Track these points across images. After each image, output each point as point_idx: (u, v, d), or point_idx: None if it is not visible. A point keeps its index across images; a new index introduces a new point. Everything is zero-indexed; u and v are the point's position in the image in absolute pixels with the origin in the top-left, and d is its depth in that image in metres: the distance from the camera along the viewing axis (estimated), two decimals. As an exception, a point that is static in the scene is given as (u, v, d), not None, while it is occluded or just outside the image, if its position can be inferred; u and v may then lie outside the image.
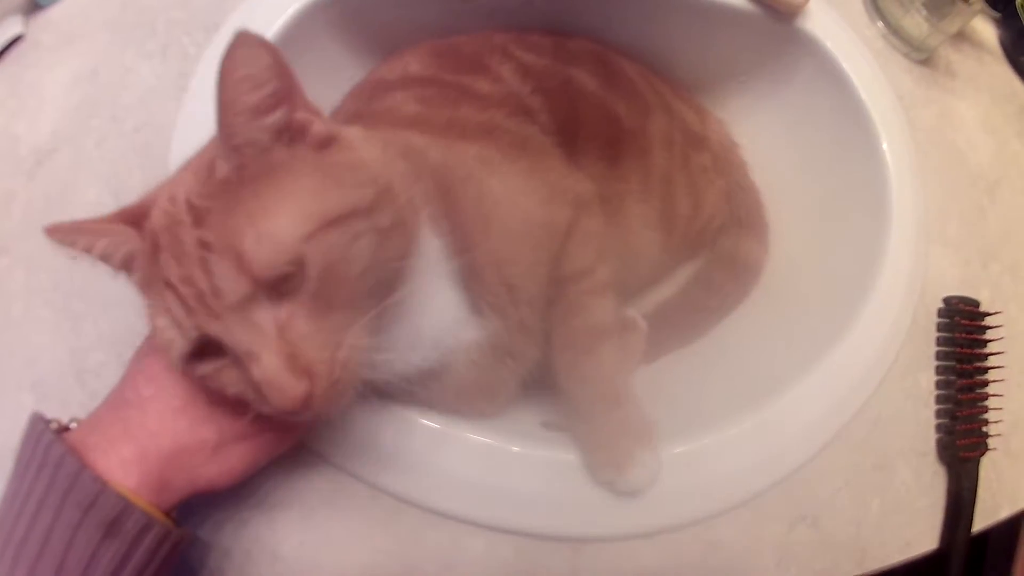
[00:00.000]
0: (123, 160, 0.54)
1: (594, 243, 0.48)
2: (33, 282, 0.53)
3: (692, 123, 0.63)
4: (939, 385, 0.57)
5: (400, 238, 0.35)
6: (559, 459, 0.46)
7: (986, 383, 0.57)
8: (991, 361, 0.57)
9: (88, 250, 0.34)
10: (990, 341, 0.57)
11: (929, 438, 0.56)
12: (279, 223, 0.31)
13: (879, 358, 0.54)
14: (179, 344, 0.32)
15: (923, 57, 0.69)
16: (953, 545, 0.54)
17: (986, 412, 0.56)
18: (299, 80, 0.35)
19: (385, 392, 0.41)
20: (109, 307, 0.51)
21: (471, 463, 0.44)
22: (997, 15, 0.77)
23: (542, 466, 0.46)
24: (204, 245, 0.31)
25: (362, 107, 0.52)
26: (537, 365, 0.49)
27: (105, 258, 0.35)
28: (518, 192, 0.45)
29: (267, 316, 0.31)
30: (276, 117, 0.33)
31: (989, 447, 0.56)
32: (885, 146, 0.58)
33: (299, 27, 0.54)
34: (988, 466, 0.56)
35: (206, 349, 0.33)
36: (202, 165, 0.34)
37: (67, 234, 0.34)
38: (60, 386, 0.50)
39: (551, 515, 0.45)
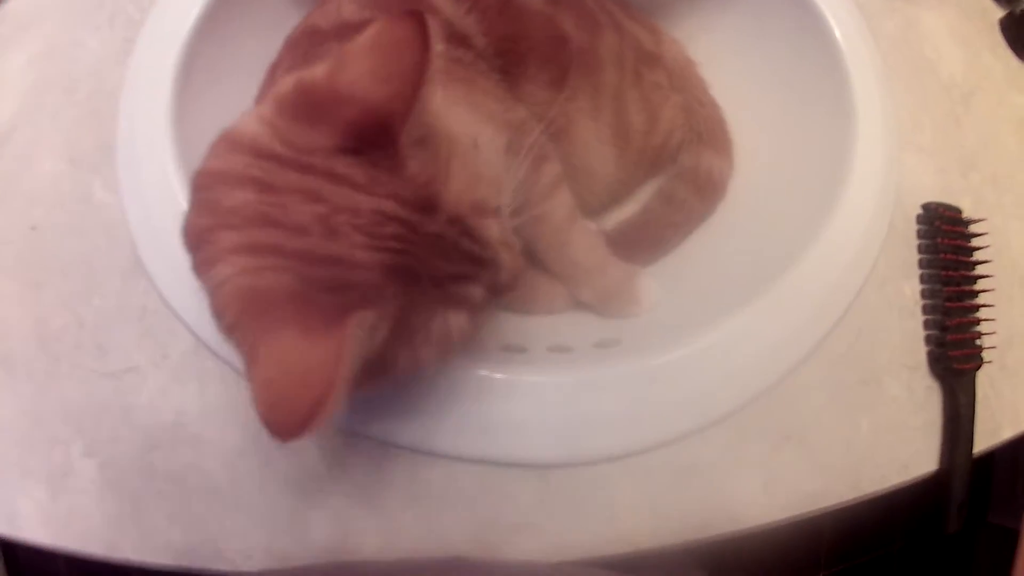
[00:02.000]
0: (76, 128, 0.55)
1: (528, 154, 0.47)
2: None
3: (645, 42, 0.61)
4: (924, 294, 0.56)
5: None
6: (521, 381, 0.45)
7: (975, 293, 0.55)
8: (979, 271, 0.56)
9: None
10: (975, 250, 0.56)
11: (918, 351, 0.54)
12: None
13: (855, 263, 0.52)
14: None
15: None
16: (954, 465, 0.52)
17: (978, 324, 0.55)
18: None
19: None
20: (67, 273, 0.52)
21: (430, 391, 0.44)
22: None
23: (504, 389, 0.45)
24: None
25: (298, 63, 0.52)
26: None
27: None
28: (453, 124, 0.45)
29: None
30: None
31: (984, 360, 0.54)
32: (844, 50, 0.56)
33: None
34: (985, 384, 0.54)
35: None
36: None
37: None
38: (26, 355, 0.51)
39: (511, 440, 0.44)
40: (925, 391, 0.54)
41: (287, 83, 0.33)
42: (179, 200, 0.46)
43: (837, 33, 0.56)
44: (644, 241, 0.58)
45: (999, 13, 0.71)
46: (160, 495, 0.46)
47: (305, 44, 0.51)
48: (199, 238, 0.31)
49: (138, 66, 0.53)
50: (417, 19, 0.30)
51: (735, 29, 0.63)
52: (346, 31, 0.51)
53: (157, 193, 0.48)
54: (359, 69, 0.30)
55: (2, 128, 0.58)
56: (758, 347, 0.48)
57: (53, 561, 1.48)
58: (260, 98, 0.48)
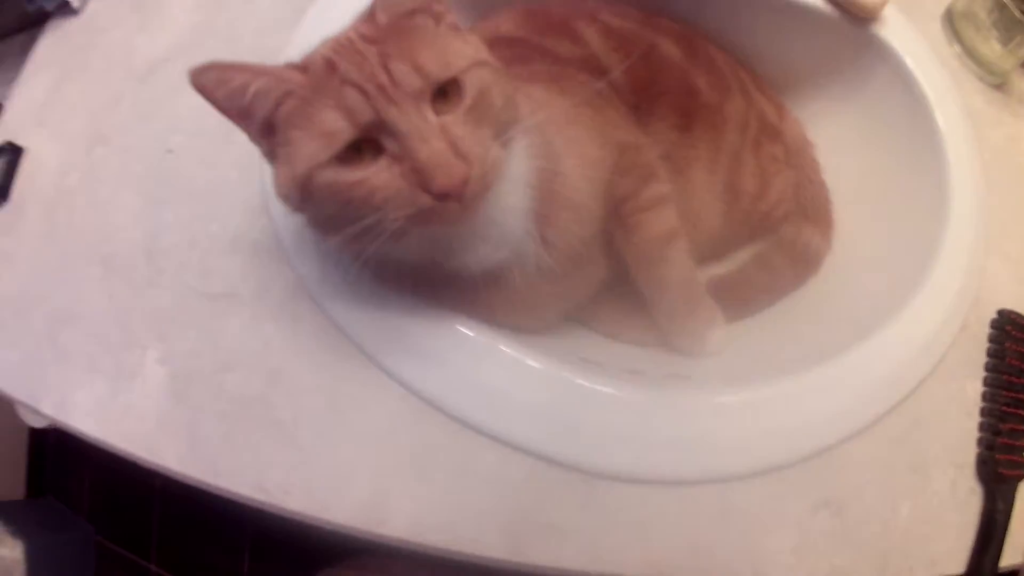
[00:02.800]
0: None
1: (637, 171, 0.52)
2: (126, 171, 0.58)
3: (769, 115, 0.65)
4: (985, 397, 0.56)
5: (507, 110, 0.42)
6: (595, 389, 0.47)
7: None
8: None
9: (244, 86, 0.38)
10: None
11: (969, 450, 0.55)
12: (446, 50, 0.39)
13: (923, 355, 0.53)
14: (345, 132, 0.37)
15: (997, 82, 0.69)
16: (980, 572, 0.51)
17: None
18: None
19: (455, 282, 0.46)
20: (192, 198, 0.55)
21: (501, 375, 0.46)
22: None
23: (573, 393, 0.46)
24: (384, 54, 0.38)
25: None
26: (585, 298, 0.53)
27: (258, 97, 0.39)
28: (580, 135, 0.49)
29: (432, 114, 0.38)
30: None
31: None
32: (950, 153, 0.59)
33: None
34: None
35: (362, 151, 0.38)
36: (363, 19, 0.41)
37: (223, 71, 0.38)
38: (129, 262, 0.54)
39: (570, 442, 0.46)
40: (967, 492, 0.54)
41: None
42: None
43: (946, 138, 0.59)
44: (733, 299, 0.59)
45: None
46: (221, 415, 0.48)
47: None
48: None
49: (303, 40, 0.57)
50: None
51: (854, 119, 0.67)
52: (496, 43, 0.57)
53: None
54: None
55: (157, 54, 0.63)
56: (818, 409, 0.50)
57: (78, 480, 1.55)
58: None
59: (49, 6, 0.69)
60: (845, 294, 0.60)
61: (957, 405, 0.55)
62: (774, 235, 0.64)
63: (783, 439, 0.49)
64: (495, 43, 0.55)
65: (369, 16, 0.41)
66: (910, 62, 0.62)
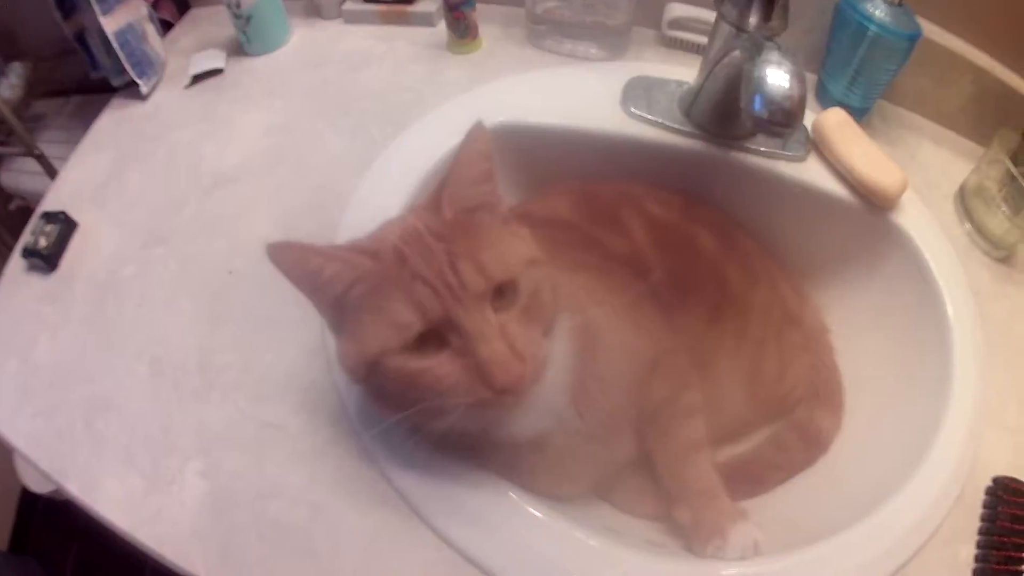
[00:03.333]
0: (298, 208, 0.63)
1: (675, 376, 0.56)
2: (184, 278, 0.60)
3: (791, 302, 0.70)
4: (977, 558, 0.58)
5: (554, 304, 0.45)
6: (611, 551, 0.49)
7: (1021, 562, 0.57)
8: None
9: (319, 270, 0.41)
10: None
11: None
12: (505, 251, 0.43)
13: (920, 527, 0.56)
14: (415, 326, 0.40)
15: (1004, 255, 0.73)
16: None
17: None
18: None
19: (497, 451, 0.49)
20: (250, 323, 0.58)
21: (541, 539, 0.49)
22: None
23: (597, 556, 0.49)
24: (451, 253, 0.41)
25: None
26: (614, 468, 0.57)
27: (331, 280, 0.42)
28: (620, 326, 0.54)
29: (492, 314, 0.41)
30: (485, 189, 0.44)
31: None
32: (955, 336, 0.63)
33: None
34: None
35: (427, 341, 0.41)
36: (428, 207, 0.45)
37: (299, 252, 0.42)
38: (179, 369, 0.56)
39: None
40: None
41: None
42: None
43: (953, 323, 0.64)
44: (747, 477, 0.62)
45: None
46: (259, 537, 0.50)
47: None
48: None
49: (371, 187, 0.62)
50: None
51: (868, 303, 0.71)
52: (552, 224, 0.63)
53: None
54: None
55: (225, 169, 0.66)
56: None
57: (64, 548, 1.53)
58: None
59: (116, 81, 0.73)
60: (850, 473, 0.63)
61: (950, 569, 0.57)
62: (788, 417, 0.67)
63: None
64: (551, 223, 0.60)
65: (434, 206, 0.44)
66: (924, 249, 0.67)
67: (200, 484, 0.52)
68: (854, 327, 0.72)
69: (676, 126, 0.68)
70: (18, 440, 0.54)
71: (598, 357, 0.51)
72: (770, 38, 0.55)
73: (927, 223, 0.69)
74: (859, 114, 0.75)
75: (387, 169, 0.64)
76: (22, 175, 1.19)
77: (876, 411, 0.67)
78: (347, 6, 0.76)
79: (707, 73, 0.64)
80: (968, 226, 0.74)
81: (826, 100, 0.76)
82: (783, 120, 0.51)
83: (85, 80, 0.99)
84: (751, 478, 0.62)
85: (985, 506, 0.59)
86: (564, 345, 0.48)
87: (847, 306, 0.73)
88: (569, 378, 0.49)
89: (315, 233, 0.61)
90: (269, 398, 0.55)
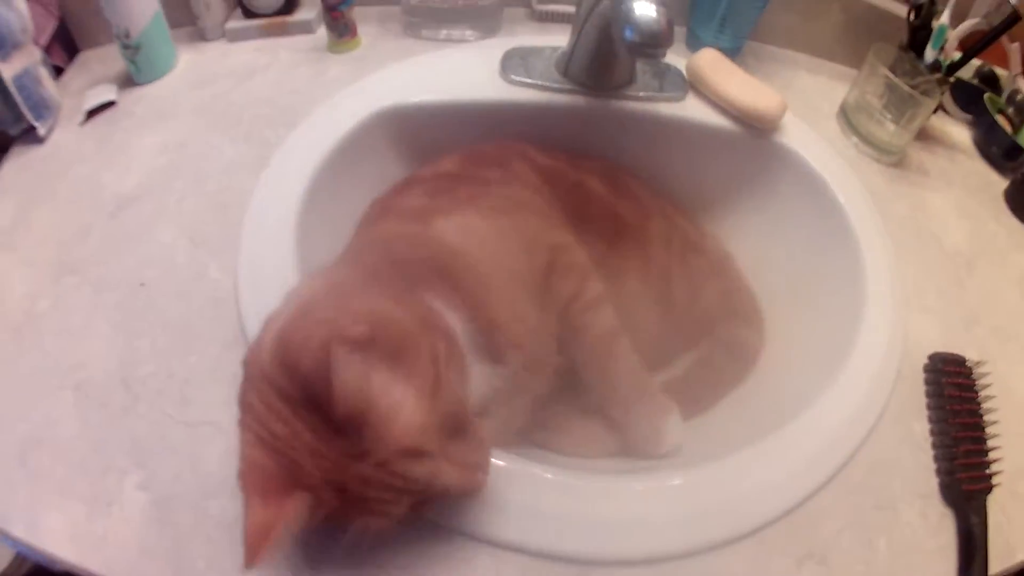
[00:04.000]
0: (202, 214, 0.64)
1: (575, 272, 0.57)
2: (98, 300, 0.60)
3: (690, 234, 0.73)
4: (933, 431, 0.61)
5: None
6: (568, 481, 0.50)
7: (981, 428, 0.61)
8: (985, 408, 0.62)
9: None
10: (980, 392, 0.63)
11: (930, 482, 0.59)
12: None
13: (867, 405, 0.59)
14: None
15: (895, 160, 0.79)
16: None
17: (985, 454, 0.59)
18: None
19: None
20: (168, 330, 0.58)
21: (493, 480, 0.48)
22: (969, 117, 0.91)
23: (552, 487, 0.50)
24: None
25: (387, 200, 0.63)
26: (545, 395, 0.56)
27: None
28: (499, 253, 0.54)
29: None
30: None
31: (994, 484, 0.58)
32: (856, 230, 0.67)
33: (363, 132, 0.69)
34: (997, 511, 0.58)
35: None
36: None
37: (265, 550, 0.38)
38: (104, 389, 0.55)
39: (560, 535, 0.48)
40: (939, 517, 0.57)
41: (286, 328, 0.42)
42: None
43: (850, 216, 0.68)
44: (684, 398, 0.63)
45: (1003, 184, 0.83)
46: (207, 539, 0.49)
47: (400, 186, 0.63)
48: (240, 401, 0.43)
49: (271, 180, 0.63)
50: (324, 351, 0.38)
51: (769, 222, 0.76)
52: (434, 178, 0.63)
53: (275, 286, 0.56)
54: (314, 358, 0.39)
55: (125, 191, 0.67)
56: (779, 471, 0.54)
57: None
58: (341, 260, 0.55)
59: (13, 130, 0.72)
60: (784, 377, 0.66)
61: (908, 444, 0.60)
62: (711, 338, 0.70)
63: (753, 503, 0.53)
64: (436, 178, 0.62)
65: None
66: (812, 161, 0.72)
67: (141, 497, 0.51)
68: (760, 248, 0.76)
69: (555, 85, 0.72)
70: None
71: (492, 299, 0.51)
72: None
73: (811, 139, 0.74)
74: (731, 54, 0.80)
75: (284, 164, 0.65)
76: None
77: (796, 320, 0.70)
78: (229, 25, 0.79)
79: (579, 31, 0.68)
80: (855, 139, 0.79)
81: (697, 46, 0.81)
82: (654, 41, 0.55)
83: None
84: (688, 399, 0.64)
85: (927, 382, 0.64)
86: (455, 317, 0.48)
87: (750, 231, 0.77)
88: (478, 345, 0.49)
89: (219, 233, 0.62)
90: (195, 399, 0.55)
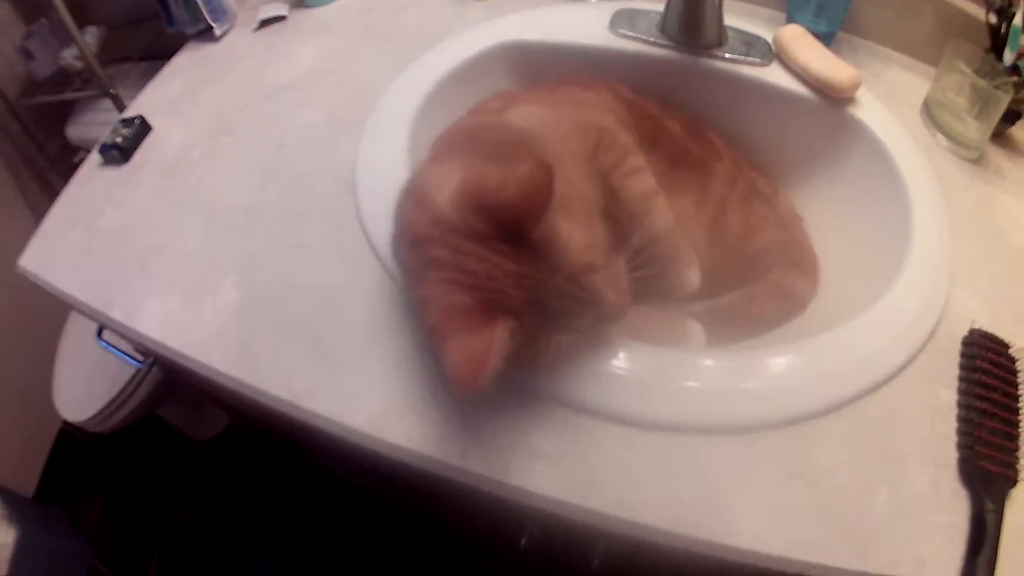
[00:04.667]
0: (341, 103, 0.78)
1: (617, 147, 0.63)
2: (243, 156, 0.75)
3: (761, 186, 0.77)
4: (960, 404, 0.59)
5: None
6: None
7: (1014, 415, 0.59)
8: (1018, 401, 0.60)
9: None
10: (1020, 382, 0.61)
11: (949, 453, 0.57)
12: None
13: (895, 346, 0.61)
14: None
15: (972, 155, 0.80)
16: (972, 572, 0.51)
17: (1013, 441, 0.57)
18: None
19: None
20: (294, 179, 0.71)
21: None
22: None
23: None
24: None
25: (476, 106, 0.73)
26: None
27: None
28: (557, 132, 0.61)
29: None
30: None
31: (1020, 475, 0.56)
32: (913, 200, 0.70)
33: (483, 59, 0.81)
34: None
35: None
36: None
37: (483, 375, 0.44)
38: (230, 215, 0.69)
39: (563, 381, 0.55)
40: (951, 494, 0.55)
41: (471, 180, 0.48)
42: (398, 174, 0.63)
43: (911, 191, 0.71)
44: (722, 323, 0.67)
45: None
46: (274, 328, 0.59)
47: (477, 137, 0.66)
48: (415, 275, 0.49)
49: (401, 85, 0.77)
50: (548, 173, 0.45)
51: (838, 194, 0.80)
52: (536, 95, 0.72)
53: (387, 162, 0.68)
54: (514, 193, 0.45)
55: (283, 81, 0.82)
56: (790, 379, 0.57)
57: (89, 501, 1.64)
58: (439, 152, 0.62)
59: (191, 29, 0.89)
60: (822, 321, 0.66)
61: (932, 408, 0.60)
62: (763, 280, 0.73)
63: (756, 402, 0.55)
64: (524, 91, 0.73)
65: None
66: (880, 132, 0.75)
67: (234, 293, 0.62)
68: (827, 216, 0.79)
69: (652, 39, 0.80)
70: (73, 288, 0.65)
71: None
72: None
73: (886, 117, 0.78)
74: (825, 40, 0.84)
75: (414, 74, 0.78)
76: (92, 127, 1.37)
77: (847, 285, 0.72)
78: None
79: None
80: (939, 136, 0.81)
81: None
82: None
83: (152, 46, 1.18)
84: (726, 322, 0.68)
85: (963, 355, 0.63)
86: None
87: (820, 199, 0.81)
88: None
89: (353, 117, 0.76)
90: (301, 228, 0.66)
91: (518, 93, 0.72)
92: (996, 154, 0.83)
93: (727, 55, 0.80)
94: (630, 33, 0.81)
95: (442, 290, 0.46)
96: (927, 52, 0.89)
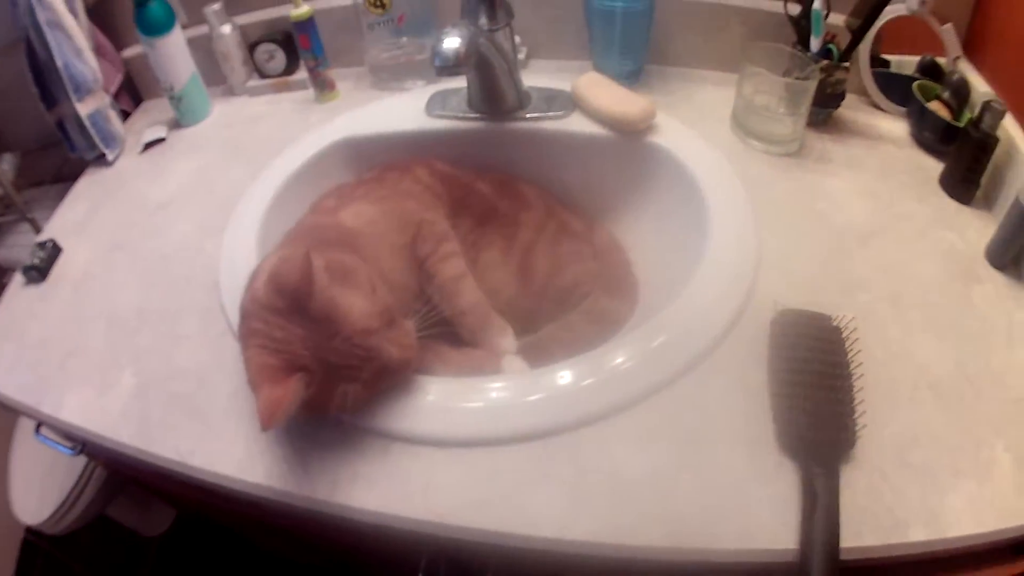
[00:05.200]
0: (208, 214, 0.95)
1: (433, 236, 0.77)
2: (132, 266, 0.90)
3: (573, 225, 0.91)
4: (774, 380, 0.63)
5: None
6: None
7: (839, 380, 0.61)
8: (848, 372, 0.62)
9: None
10: (846, 353, 0.64)
11: (765, 429, 0.61)
12: None
13: (691, 338, 0.68)
14: None
15: (787, 150, 0.87)
16: (811, 545, 0.53)
17: (843, 407, 0.60)
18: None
19: None
20: (174, 282, 0.86)
21: None
22: (904, 109, 0.92)
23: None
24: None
25: (316, 203, 0.86)
26: None
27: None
28: (380, 228, 0.76)
29: None
30: None
31: (852, 440, 0.58)
32: (709, 205, 0.79)
33: (323, 157, 0.96)
34: (879, 479, 0.58)
35: None
36: None
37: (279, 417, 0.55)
38: (125, 319, 0.83)
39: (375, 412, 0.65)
40: (775, 466, 0.59)
41: (272, 267, 0.62)
42: (249, 268, 0.71)
43: (707, 195, 0.81)
44: (540, 352, 0.77)
45: (939, 169, 0.85)
46: (164, 405, 0.73)
47: (313, 235, 0.79)
48: (242, 341, 0.63)
49: (254, 191, 0.94)
50: (307, 260, 0.58)
51: (653, 217, 0.91)
52: (352, 186, 0.88)
53: (241, 259, 0.82)
54: (285, 278, 0.59)
55: (163, 199, 1.00)
56: (580, 385, 0.65)
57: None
58: (281, 246, 0.75)
59: (88, 155, 1.08)
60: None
61: (742, 390, 0.65)
62: (577, 311, 0.84)
63: (544, 410, 0.64)
64: (356, 184, 0.89)
65: None
66: (679, 152, 0.86)
67: (131, 381, 0.77)
68: (648, 236, 0.91)
69: (462, 115, 0.97)
70: (9, 391, 0.79)
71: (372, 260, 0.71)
72: (497, 30, 0.85)
73: (685, 137, 0.89)
74: (635, 76, 0.99)
75: (265, 179, 0.96)
76: (15, 249, 1.58)
77: (667, 292, 0.79)
78: (249, 84, 1.12)
79: (469, 69, 0.92)
80: (752, 141, 0.90)
81: (604, 74, 0.98)
82: (447, 63, 0.76)
83: (63, 169, 1.33)
84: (544, 350, 0.78)
85: (773, 334, 0.67)
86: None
87: (640, 222, 0.93)
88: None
89: (216, 224, 0.92)
90: (181, 322, 0.82)
91: (353, 188, 0.88)
92: (820, 141, 0.90)
93: (529, 115, 0.96)
94: (444, 112, 0.99)
95: (257, 353, 0.60)
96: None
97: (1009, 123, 0.83)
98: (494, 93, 0.94)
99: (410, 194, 0.85)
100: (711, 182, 0.83)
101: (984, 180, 0.83)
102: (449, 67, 0.76)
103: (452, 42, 0.76)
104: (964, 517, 0.56)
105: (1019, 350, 0.67)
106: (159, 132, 1.08)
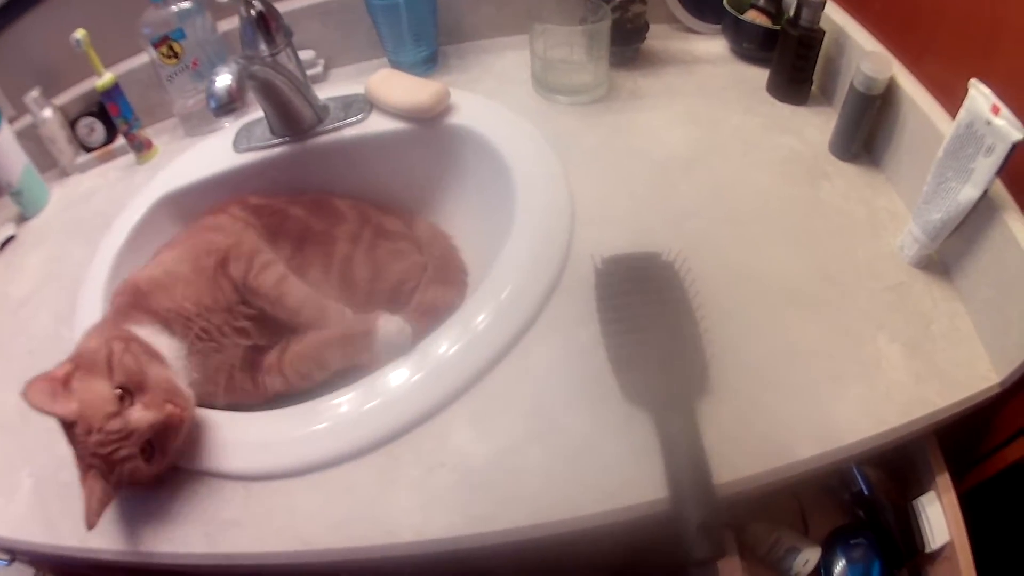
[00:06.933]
0: (63, 299, 0.99)
1: (244, 256, 0.81)
2: (5, 371, 0.96)
3: (391, 225, 0.96)
4: (606, 333, 0.63)
5: None
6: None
7: (678, 324, 0.61)
8: (686, 306, 0.63)
9: None
10: (681, 286, 0.65)
11: (608, 383, 0.61)
12: None
13: (510, 311, 0.69)
14: None
15: (592, 98, 0.91)
16: (678, 484, 0.53)
17: (688, 351, 0.59)
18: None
19: None
20: None
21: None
22: (718, 27, 0.95)
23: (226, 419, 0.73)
24: None
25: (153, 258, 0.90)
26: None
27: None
28: (177, 267, 0.79)
29: None
30: None
31: (703, 378, 0.59)
32: (513, 171, 0.82)
33: (148, 220, 0.99)
34: (733, 421, 0.57)
35: None
36: None
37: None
38: (10, 421, 0.89)
39: (227, 458, 0.69)
40: (625, 418, 0.59)
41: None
42: None
43: (508, 161, 0.85)
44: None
45: (764, 78, 0.88)
46: (57, 496, 0.78)
47: (113, 303, 0.82)
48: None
49: (93, 270, 0.97)
50: (29, 389, 0.67)
51: (468, 197, 0.95)
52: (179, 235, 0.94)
53: None
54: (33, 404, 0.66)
55: (25, 294, 1.06)
56: (410, 382, 0.68)
57: None
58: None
59: None
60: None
61: (575, 351, 0.65)
62: (406, 307, 0.89)
63: (382, 416, 0.66)
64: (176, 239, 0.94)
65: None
66: (478, 127, 0.89)
67: (28, 482, 0.84)
68: (472, 217, 0.95)
69: (266, 143, 1.03)
70: None
71: (171, 300, 0.76)
72: (278, 52, 0.90)
73: (484, 110, 0.93)
74: (434, 60, 1.02)
75: (100, 254, 1.00)
76: None
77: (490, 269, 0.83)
78: (78, 160, 1.18)
79: (260, 98, 0.98)
80: (559, 96, 0.92)
81: (401, 66, 1.05)
82: (222, 103, 0.79)
83: None
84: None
85: (598, 286, 0.68)
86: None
87: (461, 205, 0.98)
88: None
89: (68, 308, 0.95)
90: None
91: (167, 242, 0.92)
92: (631, 79, 0.92)
93: (328, 127, 1.02)
94: (250, 145, 1.05)
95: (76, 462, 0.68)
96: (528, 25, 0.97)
97: (834, 12, 0.84)
98: (290, 114, 1.00)
99: (217, 228, 0.90)
100: (512, 148, 0.89)
101: (817, 76, 0.85)
102: (226, 105, 0.80)
103: (223, 80, 0.80)
104: (861, 420, 0.57)
105: (886, 237, 0.68)
106: (9, 231, 1.15)
